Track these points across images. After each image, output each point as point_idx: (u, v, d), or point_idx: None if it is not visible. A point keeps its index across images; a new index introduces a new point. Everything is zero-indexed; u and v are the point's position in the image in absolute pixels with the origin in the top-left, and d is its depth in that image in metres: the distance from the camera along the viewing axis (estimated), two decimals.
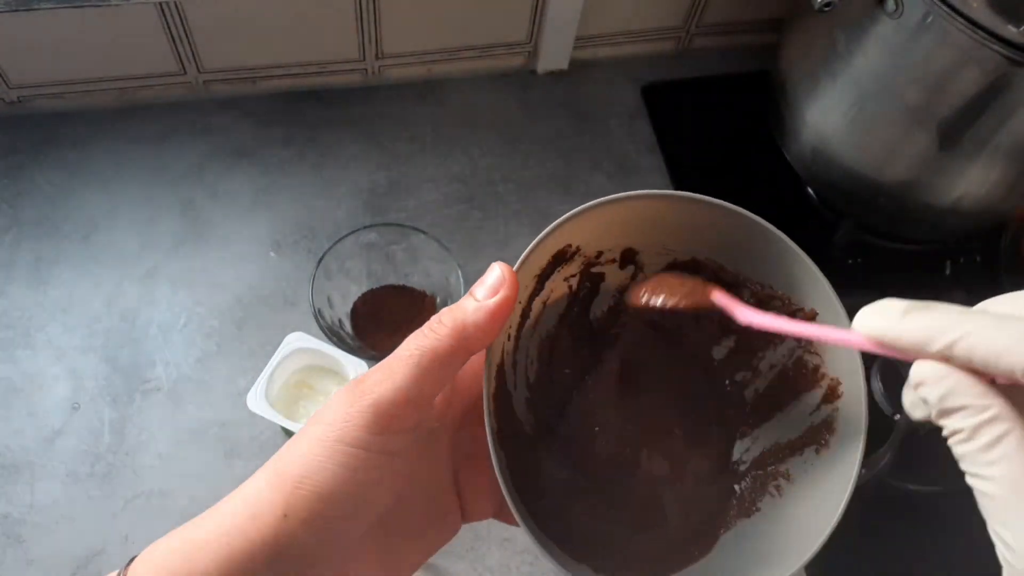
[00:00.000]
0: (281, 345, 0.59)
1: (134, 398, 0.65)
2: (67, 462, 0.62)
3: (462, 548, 0.61)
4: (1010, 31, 0.52)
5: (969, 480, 0.22)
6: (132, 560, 0.28)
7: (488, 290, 0.28)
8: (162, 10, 0.69)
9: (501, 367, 0.33)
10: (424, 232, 0.65)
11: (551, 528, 0.30)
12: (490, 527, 0.62)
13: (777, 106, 0.73)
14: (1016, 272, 0.76)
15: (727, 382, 0.37)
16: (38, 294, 0.68)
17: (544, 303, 0.35)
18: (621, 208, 0.30)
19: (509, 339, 0.34)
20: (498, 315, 0.28)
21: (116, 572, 0.28)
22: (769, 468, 0.35)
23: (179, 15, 0.70)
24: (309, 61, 0.78)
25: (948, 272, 0.77)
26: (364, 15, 0.75)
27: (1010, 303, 0.23)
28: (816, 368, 0.34)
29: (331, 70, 0.80)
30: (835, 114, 0.66)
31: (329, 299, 0.65)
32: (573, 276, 0.35)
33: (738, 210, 0.31)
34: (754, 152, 0.80)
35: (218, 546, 0.26)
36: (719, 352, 0.38)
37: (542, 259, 0.32)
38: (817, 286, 0.32)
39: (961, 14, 0.53)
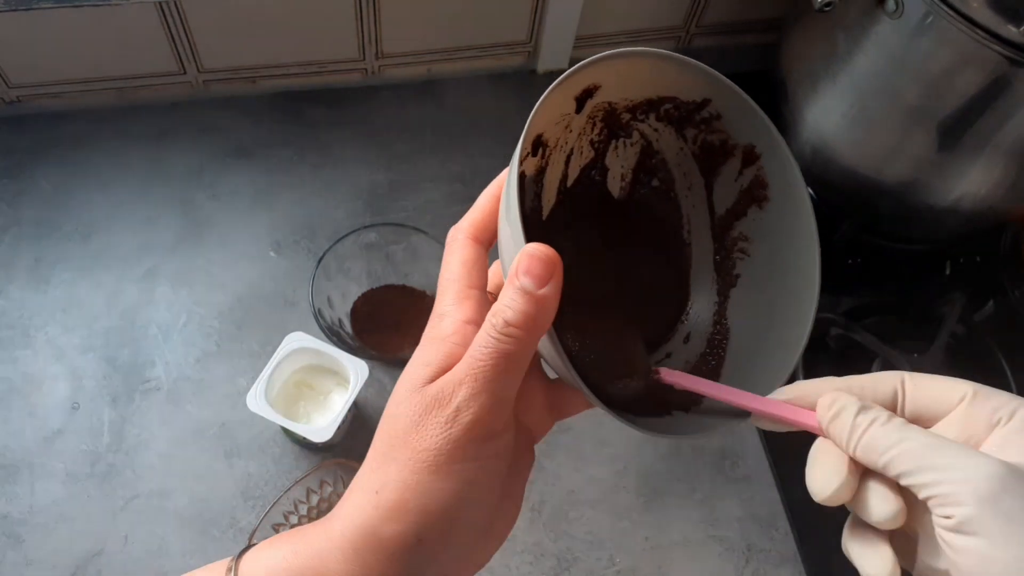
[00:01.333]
0: (281, 345, 0.59)
1: (134, 398, 0.65)
2: (67, 462, 0.62)
3: None
4: (1010, 31, 0.52)
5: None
6: (241, 555, 0.29)
7: (538, 280, 0.28)
8: (162, 10, 0.69)
9: None
10: (424, 232, 0.65)
11: (612, 402, 0.31)
12: None
13: (777, 106, 0.73)
14: (1016, 272, 0.76)
15: (643, 190, 0.38)
16: (38, 294, 0.68)
17: None
18: (546, 105, 0.31)
19: None
20: (556, 301, 0.28)
21: (229, 559, 0.29)
22: (724, 241, 0.37)
23: (179, 15, 0.70)
24: (309, 61, 0.78)
25: (948, 272, 0.77)
26: (364, 15, 0.75)
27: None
28: (724, 142, 0.35)
29: (331, 70, 0.80)
30: (835, 114, 0.66)
31: (329, 299, 0.65)
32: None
33: (663, 54, 0.32)
34: None
35: None
36: (614, 186, 0.38)
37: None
38: (743, 103, 0.33)
39: (961, 14, 0.53)
